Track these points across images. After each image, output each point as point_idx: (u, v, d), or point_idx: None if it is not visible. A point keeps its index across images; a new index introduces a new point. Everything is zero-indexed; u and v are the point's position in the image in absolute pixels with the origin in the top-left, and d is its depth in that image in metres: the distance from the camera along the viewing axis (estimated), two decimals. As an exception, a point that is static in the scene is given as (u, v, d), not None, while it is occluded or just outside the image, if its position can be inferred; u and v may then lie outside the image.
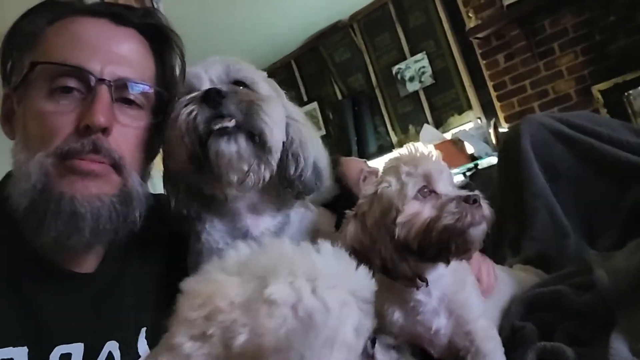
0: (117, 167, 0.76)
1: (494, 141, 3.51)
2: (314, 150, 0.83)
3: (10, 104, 0.81)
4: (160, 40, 0.85)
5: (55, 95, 0.75)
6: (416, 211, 0.67)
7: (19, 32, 0.80)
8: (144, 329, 0.83)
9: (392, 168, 0.71)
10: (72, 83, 0.75)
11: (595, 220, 1.11)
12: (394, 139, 5.00)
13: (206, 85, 0.77)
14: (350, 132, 5.18)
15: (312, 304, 0.48)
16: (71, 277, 0.79)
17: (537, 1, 3.49)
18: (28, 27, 0.79)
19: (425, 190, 0.69)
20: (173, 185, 0.82)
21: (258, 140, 0.76)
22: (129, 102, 0.79)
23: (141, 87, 0.80)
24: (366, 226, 0.68)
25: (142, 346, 0.82)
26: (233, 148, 0.74)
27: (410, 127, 4.89)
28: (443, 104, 4.70)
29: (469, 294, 0.70)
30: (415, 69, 4.87)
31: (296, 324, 0.47)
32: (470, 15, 3.81)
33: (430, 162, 0.71)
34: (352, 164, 1.24)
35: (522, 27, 3.67)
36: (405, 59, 4.92)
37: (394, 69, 4.95)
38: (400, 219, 0.66)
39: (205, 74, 0.79)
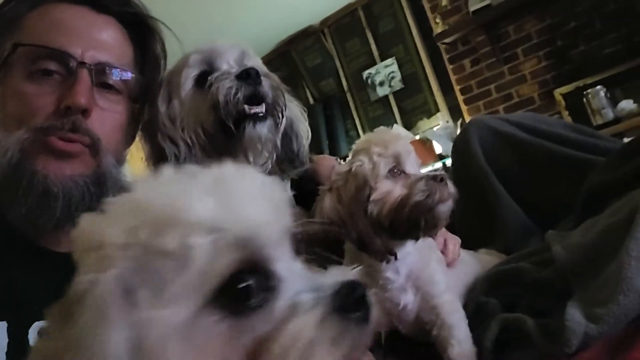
0: (93, 148, 0.78)
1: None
2: (304, 127, 0.89)
3: None
4: (140, 28, 0.87)
5: (35, 78, 0.76)
6: (388, 189, 0.70)
7: None
8: None
9: (364, 149, 0.74)
10: (52, 66, 0.77)
11: (550, 217, 1.13)
12: (365, 142, 5.05)
13: (225, 64, 0.84)
14: (322, 136, 5.22)
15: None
16: (48, 255, 0.79)
17: (502, 8, 3.60)
18: (9, 12, 0.81)
19: (396, 170, 0.72)
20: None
21: (277, 123, 0.85)
22: (108, 87, 0.81)
23: (121, 73, 0.82)
24: (342, 199, 0.70)
25: None
26: (264, 131, 0.82)
27: (381, 130, 4.97)
28: (412, 108, 4.79)
29: (434, 271, 0.73)
30: (385, 73, 4.95)
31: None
32: (438, 21, 3.90)
33: (400, 144, 0.74)
34: (324, 162, 1.27)
35: (487, 33, 3.78)
36: (375, 64, 5.00)
37: (365, 74, 5.02)
38: (373, 197, 0.69)
39: (224, 54, 0.84)
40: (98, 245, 0.44)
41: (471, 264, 0.88)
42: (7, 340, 0.72)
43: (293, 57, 5.42)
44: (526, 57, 3.69)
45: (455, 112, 4.26)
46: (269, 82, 0.82)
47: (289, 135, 0.90)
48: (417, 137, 4.03)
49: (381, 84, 4.96)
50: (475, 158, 1.21)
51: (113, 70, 0.81)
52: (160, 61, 0.89)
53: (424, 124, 4.52)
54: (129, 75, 0.83)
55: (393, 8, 4.90)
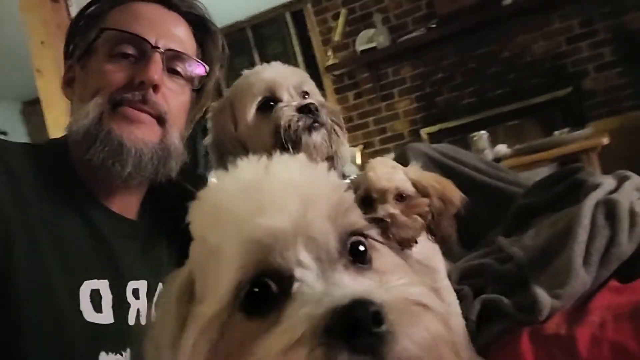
0: (160, 120, 0.87)
1: (358, 163, 3.90)
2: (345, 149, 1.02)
3: (72, 73, 0.93)
4: (203, 30, 0.97)
5: (114, 59, 0.86)
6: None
7: (84, 16, 0.92)
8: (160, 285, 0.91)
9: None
10: (130, 50, 0.87)
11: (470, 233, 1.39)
12: (243, 158, 5.15)
13: (286, 94, 0.93)
14: (200, 148, 5.20)
15: None
16: (123, 220, 0.89)
17: (384, 51, 4.07)
18: (94, 11, 0.92)
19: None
20: None
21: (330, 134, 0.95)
22: (176, 73, 0.91)
23: (188, 61, 0.92)
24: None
25: None
26: (318, 139, 0.91)
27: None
28: (293, 130, 5.03)
29: (439, 261, 0.92)
30: (269, 94, 5.14)
31: None
32: (329, 54, 4.23)
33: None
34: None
35: (371, 72, 4.22)
36: (259, 83, 5.16)
37: (247, 92, 5.16)
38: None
39: (284, 82, 0.94)
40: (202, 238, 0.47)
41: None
42: (111, 296, 0.80)
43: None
44: (401, 97, 4.20)
45: (333, 139, 4.61)
46: (325, 111, 0.93)
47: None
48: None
49: (264, 103, 5.13)
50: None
51: (182, 57, 0.90)
52: (217, 64, 0.98)
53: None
54: (196, 64, 0.92)
55: (281, 34, 5.14)
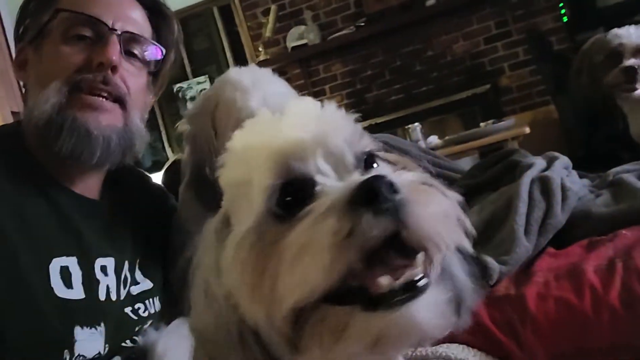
0: (121, 102, 0.87)
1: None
2: None
3: (24, 56, 0.91)
4: (158, 15, 0.98)
5: (70, 41, 0.85)
6: None
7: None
8: (138, 260, 0.92)
9: None
10: (86, 32, 0.85)
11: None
12: (171, 155, 5.03)
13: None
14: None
15: None
16: (86, 201, 0.89)
17: (315, 48, 4.14)
18: None
19: None
20: None
21: None
22: (133, 56, 0.90)
23: (145, 44, 0.92)
24: None
25: (139, 275, 0.92)
26: None
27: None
28: (223, 126, 4.99)
29: None
30: (197, 90, 5.05)
31: None
32: (261, 49, 4.24)
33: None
34: None
35: (302, 68, 4.27)
36: (187, 79, 5.06)
37: (175, 87, 5.04)
38: None
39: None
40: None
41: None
42: (80, 272, 0.80)
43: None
44: (332, 93, 4.29)
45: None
46: None
47: None
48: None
49: (192, 99, 5.04)
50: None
51: (139, 39, 0.91)
52: (172, 48, 0.99)
53: (235, 143, 4.75)
54: (152, 46, 0.93)
55: (208, 29, 5.07)
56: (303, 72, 4.29)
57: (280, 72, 4.31)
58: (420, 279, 0.43)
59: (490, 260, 0.96)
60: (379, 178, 0.41)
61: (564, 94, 2.48)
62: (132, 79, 0.89)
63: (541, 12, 3.86)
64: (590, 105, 1.59)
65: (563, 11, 3.75)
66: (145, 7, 0.95)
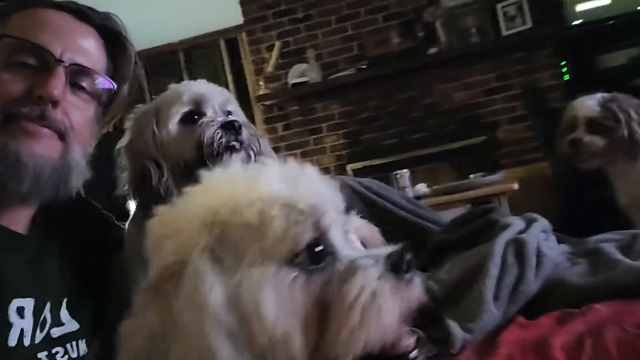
0: (61, 135, 0.81)
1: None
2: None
3: None
4: (116, 45, 0.93)
5: (12, 68, 0.79)
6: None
7: None
8: (65, 300, 0.85)
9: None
10: (31, 60, 0.80)
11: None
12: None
13: (210, 109, 0.96)
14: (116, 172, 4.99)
15: None
16: (11, 235, 0.80)
17: (315, 87, 4.16)
18: None
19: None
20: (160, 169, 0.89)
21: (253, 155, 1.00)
22: (81, 88, 0.85)
23: (95, 77, 0.87)
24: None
25: (65, 315, 0.84)
26: (238, 160, 0.96)
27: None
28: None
29: None
30: (196, 118, 5.07)
31: None
32: (261, 83, 4.26)
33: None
34: None
35: (300, 105, 4.29)
36: (187, 107, 5.09)
37: (175, 114, 5.07)
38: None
39: (212, 99, 0.96)
40: (177, 231, 0.52)
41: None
42: None
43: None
44: (329, 132, 4.28)
45: (258, 168, 4.59)
46: (247, 132, 0.96)
47: None
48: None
49: (190, 127, 5.05)
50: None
51: (88, 72, 0.85)
52: (127, 81, 0.95)
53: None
54: (102, 80, 0.87)
55: (213, 61, 5.14)
56: (301, 109, 4.30)
57: (279, 107, 4.34)
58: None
59: (453, 326, 0.90)
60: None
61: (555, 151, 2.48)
62: (77, 113, 0.84)
63: (542, 69, 3.89)
64: (575, 168, 1.56)
65: (565, 69, 3.78)
66: (102, 35, 0.90)
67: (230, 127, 0.93)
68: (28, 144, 0.77)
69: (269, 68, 4.24)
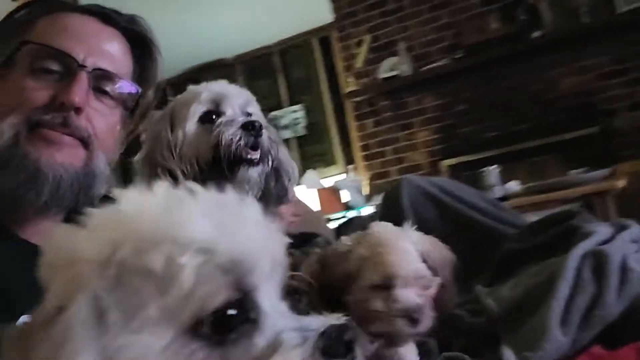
0: (85, 143, 0.80)
1: (364, 193, 3.83)
2: (291, 169, 0.97)
3: None
4: (142, 47, 0.91)
5: (36, 74, 0.79)
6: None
7: (11, 21, 0.85)
8: None
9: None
10: (54, 66, 0.79)
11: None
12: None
13: (230, 109, 0.92)
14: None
15: None
16: (28, 248, 0.76)
17: (406, 80, 3.99)
18: (22, 16, 0.85)
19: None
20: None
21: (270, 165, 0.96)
22: (104, 93, 0.84)
23: (119, 82, 0.85)
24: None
25: None
26: (254, 175, 0.92)
27: (278, 172, 5.13)
28: (312, 155, 5.02)
29: None
30: (291, 118, 5.14)
31: None
32: (350, 80, 4.19)
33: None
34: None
35: (391, 100, 4.15)
36: (282, 107, 5.18)
37: (269, 116, 5.18)
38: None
39: (232, 99, 0.92)
40: (71, 261, 0.40)
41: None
42: None
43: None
44: (421, 127, 4.10)
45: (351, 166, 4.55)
46: (267, 134, 0.91)
47: (280, 174, 0.98)
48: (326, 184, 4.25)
49: (285, 127, 5.13)
50: (403, 210, 1.36)
51: (112, 78, 0.84)
52: (154, 83, 0.93)
53: (321, 173, 4.75)
54: (127, 85, 0.86)
55: (307, 58, 5.16)
56: (392, 104, 4.16)
57: (369, 103, 4.24)
58: None
59: (508, 355, 0.76)
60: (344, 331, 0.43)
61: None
62: (101, 119, 0.83)
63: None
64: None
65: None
66: (128, 38, 0.89)
67: (251, 128, 0.88)
68: (49, 153, 0.77)
69: (358, 63, 4.15)
